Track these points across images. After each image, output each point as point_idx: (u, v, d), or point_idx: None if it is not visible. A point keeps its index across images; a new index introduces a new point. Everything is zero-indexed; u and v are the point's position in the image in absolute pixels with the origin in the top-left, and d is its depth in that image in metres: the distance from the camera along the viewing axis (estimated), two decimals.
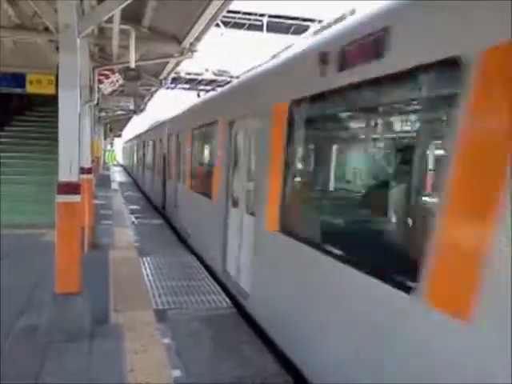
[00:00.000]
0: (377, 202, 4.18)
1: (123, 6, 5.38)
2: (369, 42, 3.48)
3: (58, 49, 5.48)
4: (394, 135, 4.54)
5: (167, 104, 28.04)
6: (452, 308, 2.57)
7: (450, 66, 2.68)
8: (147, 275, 7.55)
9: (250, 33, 20.31)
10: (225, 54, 20.51)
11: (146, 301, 6.28)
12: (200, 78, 21.86)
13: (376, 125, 4.64)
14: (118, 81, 10.30)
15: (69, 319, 4.95)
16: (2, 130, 15.21)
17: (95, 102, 10.45)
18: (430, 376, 2.72)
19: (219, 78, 20.86)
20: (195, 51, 9.96)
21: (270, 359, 4.72)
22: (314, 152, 5.48)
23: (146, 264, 8.28)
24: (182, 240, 10.81)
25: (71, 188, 4.96)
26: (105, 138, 35.86)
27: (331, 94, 4.06)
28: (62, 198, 4.96)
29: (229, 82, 15.44)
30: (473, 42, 2.55)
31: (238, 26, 19.92)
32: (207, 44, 11.87)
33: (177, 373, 4.29)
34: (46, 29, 8.08)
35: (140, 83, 13.50)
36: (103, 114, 21.46)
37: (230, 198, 7.20)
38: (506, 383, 2.19)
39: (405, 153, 4.03)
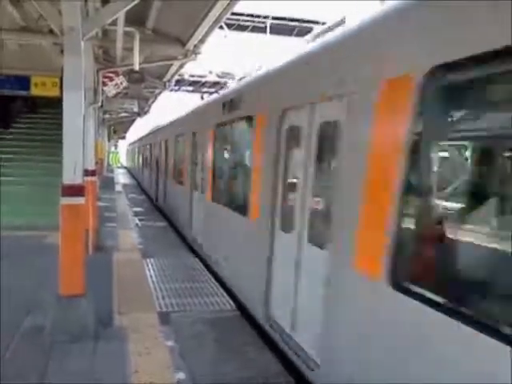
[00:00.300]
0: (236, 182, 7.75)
1: (127, 8, 5.40)
2: (235, 100, 7.24)
3: (62, 51, 5.49)
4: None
5: (171, 106, 28.12)
6: None
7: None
8: (151, 277, 7.55)
9: (254, 35, 20.32)
10: (228, 55, 20.55)
11: (149, 303, 6.28)
12: (204, 80, 21.90)
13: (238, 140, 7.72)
14: (122, 83, 10.34)
15: (73, 321, 4.96)
16: (5, 131, 15.26)
17: (99, 104, 10.49)
18: None
19: (223, 80, 20.89)
20: (199, 53, 9.98)
21: (273, 360, 4.72)
22: (220, 154, 8.71)
23: (150, 266, 8.29)
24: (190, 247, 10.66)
25: (75, 190, 4.97)
26: (109, 140, 35.94)
27: (225, 123, 7.94)
28: (66, 200, 4.97)
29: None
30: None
31: (242, 28, 19.93)
32: (211, 46, 11.91)
33: (180, 375, 4.29)
34: (51, 31, 8.09)
35: (144, 85, 13.55)
36: (107, 116, 21.52)
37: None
38: None
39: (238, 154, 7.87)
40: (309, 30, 18.37)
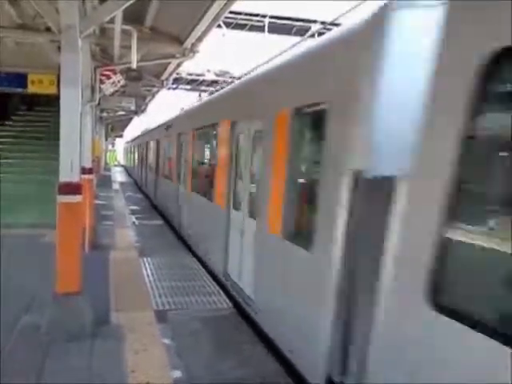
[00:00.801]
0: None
1: (125, 6, 5.39)
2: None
3: (59, 49, 5.47)
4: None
5: (168, 105, 28.08)
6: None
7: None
8: (148, 276, 7.55)
9: (252, 34, 20.31)
10: (226, 54, 20.53)
11: (146, 301, 6.28)
12: (201, 78, 21.88)
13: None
14: (119, 81, 10.31)
15: (69, 319, 4.96)
16: (2, 128, 15.24)
17: (96, 102, 10.48)
18: None
19: (221, 79, 20.88)
20: (197, 52, 9.97)
21: (270, 359, 4.73)
22: (197, 153, 10.35)
23: (147, 264, 8.29)
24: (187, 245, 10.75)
25: (72, 188, 4.96)
26: (106, 139, 35.87)
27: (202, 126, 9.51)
28: (63, 198, 4.96)
29: (231, 82, 15.61)
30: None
31: (240, 26, 19.91)
32: (209, 44, 11.92)
33: (177, 373, 4.29)
34: (48, 29, 8.08)
35: (141, 84, 13.51)
36: (104, 114, 21.46)
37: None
38: None
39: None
40: (307, 29, 18.39)
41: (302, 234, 4.56)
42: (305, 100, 4.52)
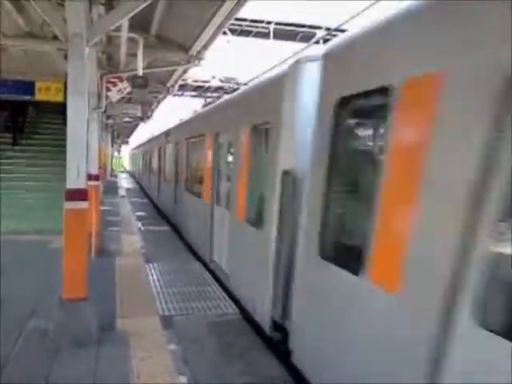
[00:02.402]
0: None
1: (131, 15, 5.45)
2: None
3: (66, 57, 5.53)
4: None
5: (174, 111, 28.17)
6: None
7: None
8: (153, 281, 7.58)
9: (257, 40, 20.35)
10: (232, 61, 20.61)
11: (152, 307, 6.30)
12: (207, 85, 21.97)
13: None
14: (125, 88, 10.38)
15: (75, 325, 4.98)
16: (6, 135, 15.36)
17: (103, 109, 10.55)
18: None
19: (226, 85, 20.95)
20: (202, 59, 10.03)
21: (276, 364, 4.72)
22: (189, 158, 11.97)
23: (153, 270, 8.31)
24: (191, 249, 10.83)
25: (79, 194, 5.01)
26: (112, 145, 36.04)
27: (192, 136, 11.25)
28: (69, 205, 5.00)
29: (236, 89, 15.66)
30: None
31: (245, 33, 19.98)
32: (214, 51, 12.01)
33: (183, 379, 4.30)
34: (55, 37, 8.16)
35: (147, 91, 13.59)
36: (110, 121, 21.58)
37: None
38: None
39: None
40: (312, 35, 18.42)
41: (255, 218, 6.08)
42: (258, 120, 6.13)
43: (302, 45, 15.23)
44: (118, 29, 7.48)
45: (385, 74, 3.28)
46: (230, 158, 7.77)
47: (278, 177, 5.06)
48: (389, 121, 3.19)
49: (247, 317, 6.07)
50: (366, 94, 3.50)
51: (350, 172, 4.25)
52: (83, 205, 5.09)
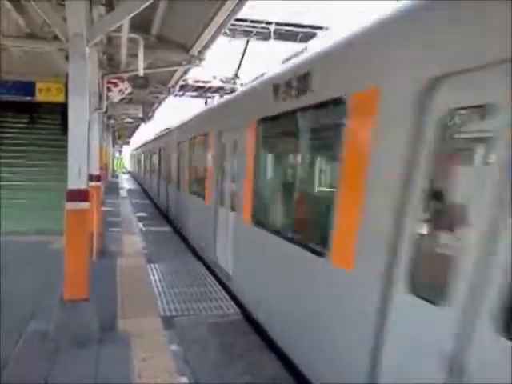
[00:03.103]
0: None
1: (132, 15, 5.44)
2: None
3: (67, 57, 5.53)
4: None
5: (175, 112, 28.19)
6: None
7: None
8: (155, 282, 7.57)
9: (258, 40, 20.33)
10: (232, 61, 20.60)
11: (153, 307, 6.30)
12: (208, 85, 21.95)
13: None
14: (126, 89, 10.38)
15: (77, 325, 4.98)
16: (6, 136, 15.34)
17: (104, 109, 10.55)
18: None
19: (227, 86, 20.94)
20: (203, 59, 10.02)
21: (277, 365, 4.71)
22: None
23: (154, 271, 8.31)
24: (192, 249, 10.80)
25: (80, 195, 5.00)
26: (113, 146, 36.06)
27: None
28: (70, 205, 5.00)
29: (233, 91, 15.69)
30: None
31: (246, 33, 19.96)
32: (215, 51, 12.05)
33: (184, 379, 4.29)
34: (56, 38, 8.14)
35: (148, 91, 13.60)
36: (112, 121, 21.58)
37: None
38: None
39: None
40: (313, 35, 18.40)
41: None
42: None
43: (303, 45, 15.21)
44: (119, 29, 7.47)
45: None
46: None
47: None
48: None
49: (248, 317, 6.07)
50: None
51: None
52: (84, 205, 5.08)
